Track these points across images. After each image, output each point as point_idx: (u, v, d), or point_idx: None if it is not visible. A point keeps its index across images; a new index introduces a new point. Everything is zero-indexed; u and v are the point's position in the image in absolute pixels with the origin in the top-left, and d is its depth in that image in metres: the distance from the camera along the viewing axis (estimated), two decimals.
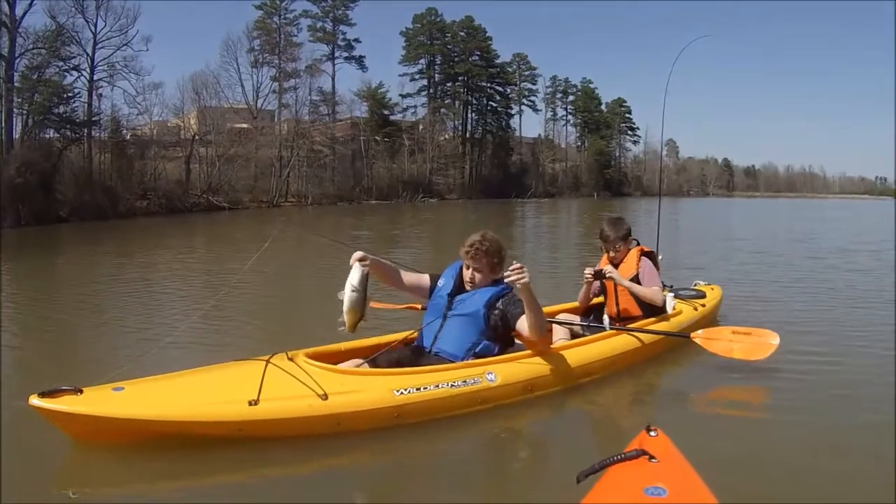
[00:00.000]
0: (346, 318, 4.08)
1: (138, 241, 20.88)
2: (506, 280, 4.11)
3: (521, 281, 4.02)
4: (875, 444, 3.83)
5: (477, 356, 4.33)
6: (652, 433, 2.46)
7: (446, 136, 69.97)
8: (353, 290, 4.05)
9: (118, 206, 32.66)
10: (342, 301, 4.07)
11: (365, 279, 4.09)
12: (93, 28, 36.66)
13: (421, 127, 66.57)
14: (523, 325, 4.26)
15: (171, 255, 16.55)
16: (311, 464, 3.68)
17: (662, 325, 5.65)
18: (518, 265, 4.03)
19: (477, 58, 72.10)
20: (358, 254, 4.15)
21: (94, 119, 37.10)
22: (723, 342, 5.37)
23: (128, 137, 39.89)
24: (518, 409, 4.32)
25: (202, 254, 17.45)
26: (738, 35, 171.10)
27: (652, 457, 2.26)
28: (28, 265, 14.40)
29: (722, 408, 4.79)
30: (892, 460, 3.53)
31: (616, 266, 5.76)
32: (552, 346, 5.01)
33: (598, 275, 5.62)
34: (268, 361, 3.96)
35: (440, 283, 4.65)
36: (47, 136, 35.11)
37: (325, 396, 3.73)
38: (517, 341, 4.70)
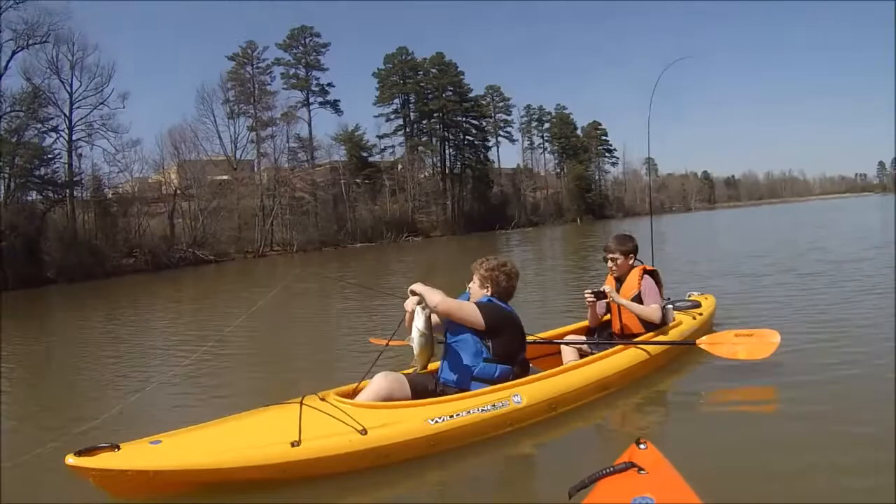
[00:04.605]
0: (417, 360, 4.30)
1: (127, 300, 20.81)
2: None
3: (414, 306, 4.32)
4: (873, 449, 3.82)
5: (476, 379, 4.45)
6: (641, 446, 2.55)
7: (426, 174, 70.24)
8: (420, 335, 4.26)
9: (105, 265, 32.61)
10: (412, 346, 4.27)
11: (429, 321, 4.28)
12: (68, 88, 36.92)
13: (400, 166, 66.89)
14: None
15: (162, 311, 16.60)
16: (353, 499, 3.74)
17: (666, 337, 5.79)
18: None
19: (450, 93, 72.67)
20: (414, 299, 4.36)
21: (75, 179, 37.12)
22: (727, 345, 5.53)
23: (110, 196, 39.88)
24: (520, 429, 4.40)
25: (194, 307, 17.39)
26: (710, 48, 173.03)
27: (641, 468, 2.35)
28: (17, 330, 14.35)
29: (721, 416, 4.81)
30: (893, 461, 3.58)
31: (620, 283, 5.93)
32: (565, 364, 5.19)
33: (599, 295, 5.79)
34: (301, 403, 4.03)
35: None
36: (30, 198, 35.16)
37: (364, 431, 3.81)
38: (532, 365, 4.83)
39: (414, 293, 4.39)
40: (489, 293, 4.68)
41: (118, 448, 3.57)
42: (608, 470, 2.36)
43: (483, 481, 4.05)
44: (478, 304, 4.54)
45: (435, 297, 4.35)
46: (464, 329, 4.49)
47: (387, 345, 4.92)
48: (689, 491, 2.29)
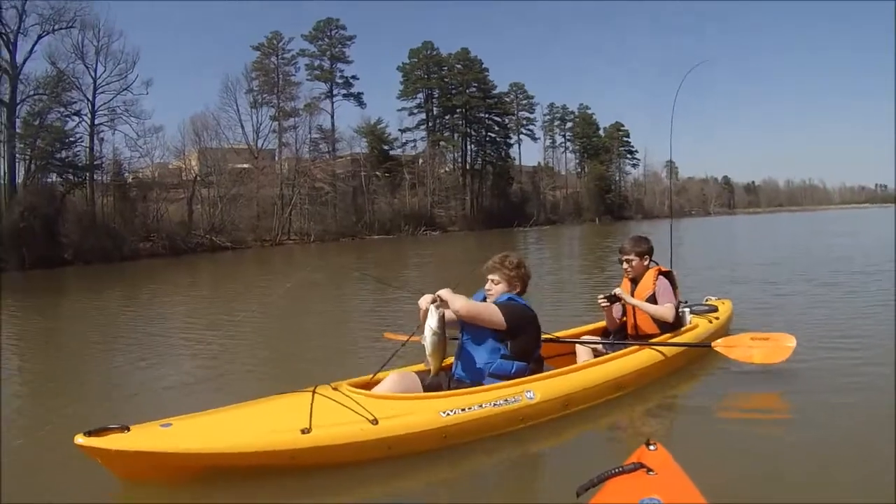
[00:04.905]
0: (430, 360, 4.24)
1: (144, 283, 20.99)
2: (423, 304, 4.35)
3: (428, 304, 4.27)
4: (879, 468, 3.73)
5: (492, 375, 4.42)
6: (651, 447, 2.53)
7: (446, 169, 70.20)
8: (433, 334, 4.20)
9: (122, 249, 32.84)
10: (425, 345, 4.21)
11: (442, 321, 4.22)
12: (93, 73, 37.17)
13: (421, 160, 66.90)
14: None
15: (177, 296, 16.75)
16: (361, 490, 3.73)
17: (682, 339, 5.75)
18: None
19: (474, 89, 72.51)
20: (428, 297, 4.33)
21: (95, 163, 37.38)
22: (742, 348, 5.47)
23: (130, 180, 40.14)
24: (531, 427, 4.38)
25: (209, 294, 17.53)
26: (730, 55, 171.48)
27: (650, 469, 2.33)
28: (33, 308, 14.50)
29: (734, 420, 4.82)
30: (893, 462, 3.56)
31: (635, 284, 5.92)
32: (579, 363, 5.17)
33: (612, 298, 5.78)
34: (314, 392, 4.02)
35: None
36: (50, 180, 35.47)
37: (375, 421, 3.79)
38: (546, 364, 4.81)
39: (441, 298, 4.34)
40: (517, 291, 4.68)
41: (128, 430, 3.56)
42: (617, 470, 2.34)
43: (491, 477, 4.04)
44: (497, 304, 4.52)
45: (457, 301, 4.31)
46: (481, 327, 4.46)
47: (405, 342, 4.87)
48: (698, 493, 2.27)
